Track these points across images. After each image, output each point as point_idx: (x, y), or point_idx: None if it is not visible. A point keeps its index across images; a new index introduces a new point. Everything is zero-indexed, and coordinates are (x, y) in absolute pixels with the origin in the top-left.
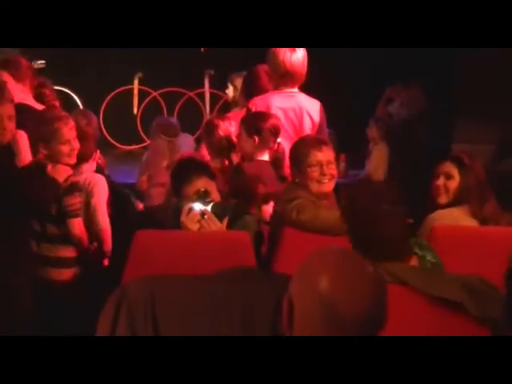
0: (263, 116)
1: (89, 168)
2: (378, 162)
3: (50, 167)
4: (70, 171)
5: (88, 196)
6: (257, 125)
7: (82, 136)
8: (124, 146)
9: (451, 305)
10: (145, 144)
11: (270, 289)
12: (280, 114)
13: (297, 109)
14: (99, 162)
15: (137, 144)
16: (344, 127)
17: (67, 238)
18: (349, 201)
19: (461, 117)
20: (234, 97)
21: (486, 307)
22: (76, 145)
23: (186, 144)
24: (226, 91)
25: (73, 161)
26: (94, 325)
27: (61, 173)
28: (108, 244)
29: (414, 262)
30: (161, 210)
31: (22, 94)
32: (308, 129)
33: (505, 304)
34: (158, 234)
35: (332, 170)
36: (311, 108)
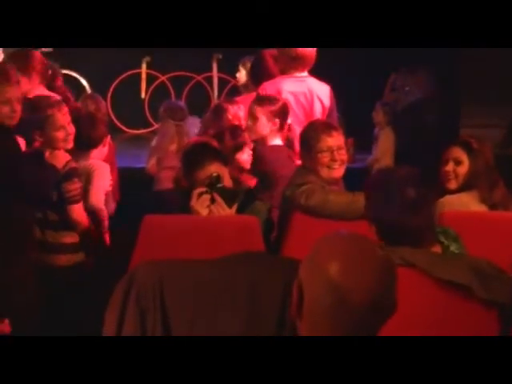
0: (275, 99)
1: (98, 153)
2: (385, 147)
3: (47, 154)
4: (68, 157)
5: (87, 181)
6: (280, 110)
7: (92, 121)
8: (132, 131)
9: (459, 288)
10: (153, 128)
11: (278, 273)
12: (290, 98)
13: (307, 93)
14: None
15: (145, 128)
16: (350, 111)
17: (69, 224)
18: (374, 188)
19: (469, 101)
20: (246, 81)
21: (493, 290)
22: (71, 129)
23: (194, 127)
24: (237, 75)
25: (69, 145)
26: (102, 311)
27: (59, 159)
28: (105, 223)
29: (437, 250)
30: (170, 193)
31: (28, 85)
32: (318, 113)
33: None
34: (166, 219)
35: (342, 155)
36: (321, 92)
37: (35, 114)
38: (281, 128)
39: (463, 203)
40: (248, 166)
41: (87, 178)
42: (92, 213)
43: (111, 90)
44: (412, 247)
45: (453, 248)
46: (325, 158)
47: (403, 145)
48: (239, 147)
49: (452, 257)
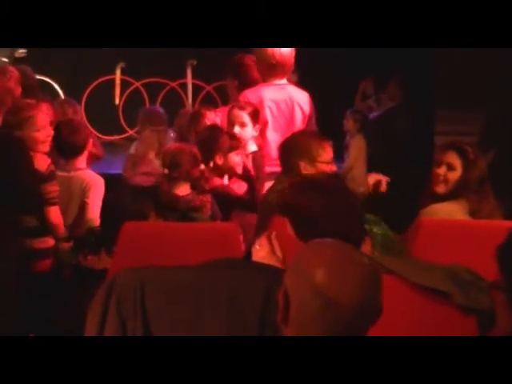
0: (253, 105)
1: (83, 160)
2: (356, 155)
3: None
4: (48, 160)
5: (83, 194)
6: (258, 112)
7: (73, 127)
8: (105, 137)
9: (437, 294)
10: (127, 135)
11: (258, 279)
12: (272, 106)
13: (288, 101)
14: (94, 150)
15: (119, 134)
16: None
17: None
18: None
19: (442, 109)
20: None
21: (472, 297)
22: (50, 131)
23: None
24: None
25: (47, 148)
26: (83, 315)
27: (41, 162)
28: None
29: (368, 243)
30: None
31: None
32: (299, 120)
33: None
34: (145, 226)
35: (333, 167)
36: (301, 99)
37: (16, 115)
38: (258, 134)
39: (450, 213)
40: (239, 169)
41: (83, 191)
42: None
43: (85, 95)
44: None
45: (375, 230)
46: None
47: (376, 152)
48: (234, 148)
49: (431, 264)
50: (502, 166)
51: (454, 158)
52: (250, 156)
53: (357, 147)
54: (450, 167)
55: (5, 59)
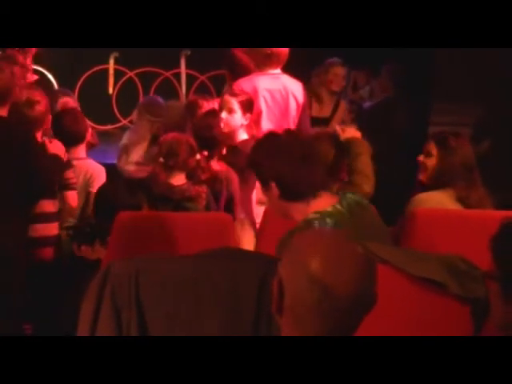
0: (245, 92)
1: (83, 149)
2: None
3: (48, 143)
4: (63, 147)
5: (87, 184)
6: (251, 102)
7: (74, 115)
8: (99, 126)
9: (432, 284)
10: (120, 124)
11: (253, 268)
12: (267, 95)
13: (282, 90)
14: (90, 139)
15: (112, 124)
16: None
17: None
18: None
19: (437, 100)
20: None
21: (466, 286)
22: (50, 119)
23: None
24: None
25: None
26: (78, 306)
27: (60, 148)
28: None
29: (329, 199)
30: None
31: None
32: (293, 110)
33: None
34: (140, 216)
35: None
36: (295, 89)
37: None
38: (250, 122)
39: (438, 201)
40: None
41: (87, 181)
42: None
43: (79, 85)
44: (377, 240)
45: (349, 195)
46: None
47: (370, 142)
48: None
49: (426, 254)
50: (496, 156)
51: (431, 146)
52: (240, 143)
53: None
54: (428, 154)
55: None
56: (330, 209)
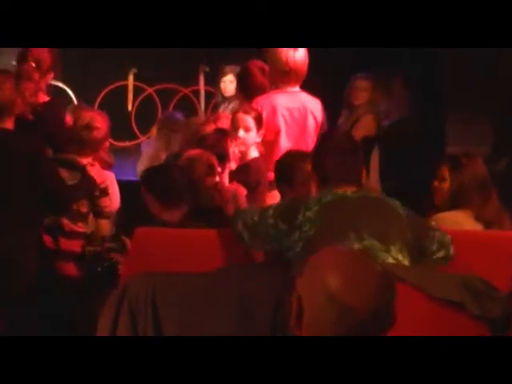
0: (258, 110)
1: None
2: (370, 163)
3: (89, 166)
4: (103, 174)
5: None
6: (262, 118)
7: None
8: (117, 143)
9: (451, 304)
10: (138, 141)
11: (269, 284)
12: (285, 113)
13: (301, 108)
14: (106, 157)
15: (130, 141)
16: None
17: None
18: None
19: (453, 119)
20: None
21: (485, 307)
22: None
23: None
24: (225, 86)
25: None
26: (95, 321)
27: (97, 175)
28: None
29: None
30: None
31: None
32: (312, 128)
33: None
34: (157, 231)
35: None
36: (314, 107)
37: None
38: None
39: (455, 221)
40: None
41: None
42: None
43: (98, 101)
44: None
45: None
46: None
47: (386, 162)
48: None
49: (444, 274)
50: None
51: (443, 169)
52: (252, 161)
53: (370, 157)
54: (441, 179)
55: (14, 62)
56: (339, 191)
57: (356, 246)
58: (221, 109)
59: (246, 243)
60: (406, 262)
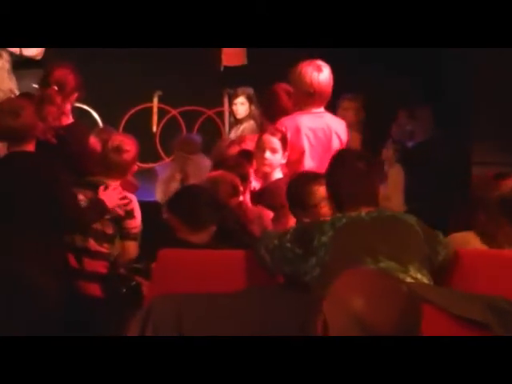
0: (283, 131)
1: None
2: (395, 184)
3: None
4: (129, 197)
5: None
6: (287, 140)
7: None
8: (142, 164)
9: (476, 325)
10: (163, 162)
11: (295, 308)
12: (310, 134)
13: (326, 129)
14: (132, 180)
15: (155, 162)
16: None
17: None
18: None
19: (479, 139)
20: (250, 111)
21: (510, 327)
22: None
23: (205, 161)
24: (237, 107)
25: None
26: None
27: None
28: None
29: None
30: None
31: None
32: (336, 148)
33: None
34: (181, 253)
35: (325, 207)
36: (338, 128)
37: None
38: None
39: (467, 242)
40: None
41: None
42: None
43: (122, 123)
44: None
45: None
46: (323, 208)
47: (412, 182)
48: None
49: (469, 294)
50: None
51: None
52: (276, 183)
53: (396, 177)
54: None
55: (35, 85)
56: (353, 213)
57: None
58: (233, 131)
59: (267, 267)
60: (426, 280)
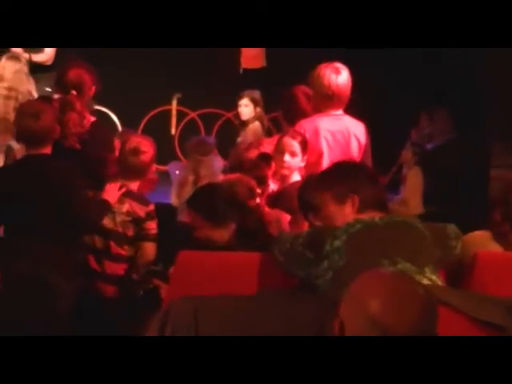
0: (302, 134)
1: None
2: (414, 187)
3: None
4: (148, 204)
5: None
6: (307, 143)
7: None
8: (161, 167)
9: (493, 327)
10: (175, 163)
11: (312, 311)
12: (328, 136)
13: (344, 131)
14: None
15: None
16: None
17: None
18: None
19: (497, 142)
20: (255, 114)
21: None
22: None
23: (219, 162)
24: (242, 109)
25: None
26: None
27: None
28: None
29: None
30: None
31: None
32: (355, 151)
33: None
34: (201, 255)
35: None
36: (357, 130)
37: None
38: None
39: (481, 241)
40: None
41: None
42: None
43: (141, 126)
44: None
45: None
46: None
47: (431, 185)
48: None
49: (485, 296)
50: None
51: None
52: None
53: (415, 179)
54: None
55: (48, 89)
56: (366, 218)
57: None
58: (241, 133)
59: (282, 268)
60: (440, 282)
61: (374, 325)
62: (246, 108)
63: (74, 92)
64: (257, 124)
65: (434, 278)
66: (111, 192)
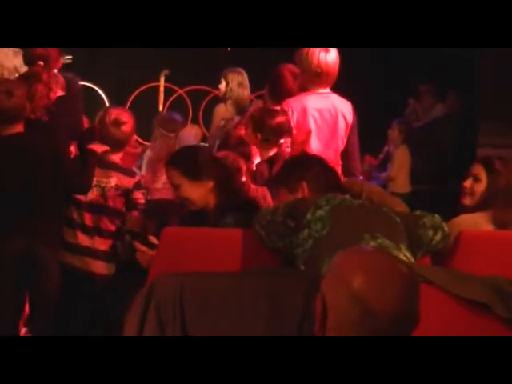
0: (271, 113)
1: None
2: (400, 165)
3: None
4: (135, 175)
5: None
6: (262, 122)
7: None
8: (148, 143)
9: (479, 306)
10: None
11: (297, 286)
12: (316, 114)
13: (332, 110)
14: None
15: None
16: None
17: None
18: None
19: (485, 121)
20: (225, 92)
21: None
22: None
23: (190, 136)
24: (219, 86)
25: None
26: (121, 321)
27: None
28: None
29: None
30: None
31: None
32: (342, 130)
33: None
34: (185, 231)
35: None
36: (344, 109)
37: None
38: (266, 143)
39: (474, 223)
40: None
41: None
42: None
43: (129, 102)
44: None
45: None
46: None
47: (417, 163)
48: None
49: (470, 275)
50: None
51: (479, 170)
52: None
53: (401, 158)
54: (476, 179)
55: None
56: (342, 196)
57: (372, 244)
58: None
59: (264, 243)
60: (413, 261)
61: (356, 301)
62: (220, 85)
63: (41, 63)
64: (229, 102)
65: (408, 254)
66: (95, 148)
